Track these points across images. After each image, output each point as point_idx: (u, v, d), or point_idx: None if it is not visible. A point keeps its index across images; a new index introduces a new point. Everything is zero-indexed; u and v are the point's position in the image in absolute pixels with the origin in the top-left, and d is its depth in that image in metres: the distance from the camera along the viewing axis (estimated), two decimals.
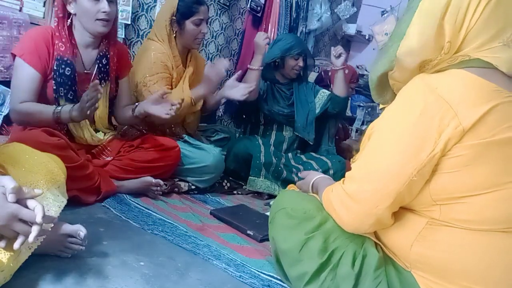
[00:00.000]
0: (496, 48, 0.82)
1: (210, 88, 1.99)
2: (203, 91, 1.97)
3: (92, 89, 1.37)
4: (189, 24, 1.95)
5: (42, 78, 1.49)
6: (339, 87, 2.42)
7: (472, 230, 0.82)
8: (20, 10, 1.74)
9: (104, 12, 1.50)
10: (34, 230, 0.78)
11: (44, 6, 1.81)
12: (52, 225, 0.94)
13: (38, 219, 0.78)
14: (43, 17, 1.82)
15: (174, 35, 1.97)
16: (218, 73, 1.95)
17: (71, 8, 1.51)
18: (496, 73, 0.82)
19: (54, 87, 1.50)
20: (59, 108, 1.45)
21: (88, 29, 1.54)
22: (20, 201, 0.80)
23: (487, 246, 0.82)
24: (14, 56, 1.48)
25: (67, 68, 1.51)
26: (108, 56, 1.64)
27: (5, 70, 1.69)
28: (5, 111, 1.71)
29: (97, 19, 1.51)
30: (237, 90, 2.05)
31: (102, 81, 1.63)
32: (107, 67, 1.64)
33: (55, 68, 1.49)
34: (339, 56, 2.37)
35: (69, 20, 1.52)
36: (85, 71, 1.60)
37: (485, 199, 0.81)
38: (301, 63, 2.36)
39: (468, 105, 0.79)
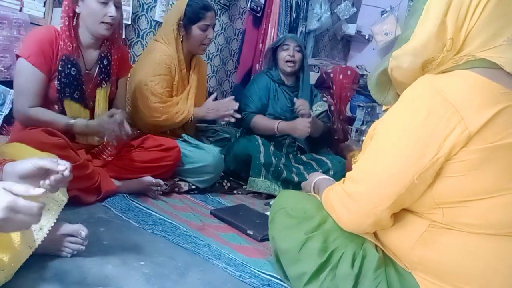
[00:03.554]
0: (501, 47, 0.81)
1: (211, 117, 2.08)
2: (202, 114, 2.05)
3: (121, 128, 1.51)
4: (195, 29, 1.98)
5: (47, 80, 1.49)
6: (314, 133, 2.37)
7: (475, 234, 0.81)
8: (20, 10, 1.75)
9: (110, 16, 1.51)
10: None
11: (44, 6, 1.82)
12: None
13: (34, 210, 0.72)
14: (43, 17, 1.82)
15: (181, 39, 1.99)
16: (219, 112, 2.02)
17: (78, 8, 1.51)
18: (502, 74, 0.81)
19: (58, 88, 1.50)
20: (72, 121, 1.50)
21: (91, 30, 1.54)
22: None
23: (490, 250, 0.81)
24: (17, 57, 1.47)
25: (73, 68, 1.52)
26: (110, 58, 1.65)
27: (5, 70, 1.69)
28: (5, 111, 1.71)
29: (102, 22, 1.52)
30: (214, 112, 2.05)
31: (104, 82, 1.64)
32: (109, 68, 1.65)
33: (60, 68, 1.49)
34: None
35: (75, 20, 1.52)
36: (87, 71, 1.60)
37: (489, 204, 0.80)
38: (291, 53, 2.35)
39: (475, 109, 0.77)
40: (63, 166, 0.85)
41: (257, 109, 2.35)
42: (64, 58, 1.49)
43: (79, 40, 1.56)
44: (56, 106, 1.53)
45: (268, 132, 2.29)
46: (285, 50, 2.36)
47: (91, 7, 1.49)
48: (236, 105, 2.05)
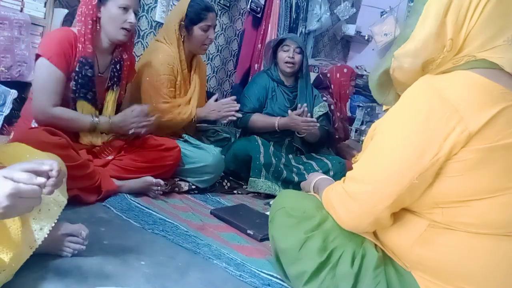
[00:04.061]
0: (500, 47, 0.81)
1: (212, 117, 2.11)
2: (204, 115, 2.07)
3: (144, 118, 1.60)
4: (197, 30, 1.99)
5: (66, 80, 1.52)
6: (308, 139, 2.40)
7: (475, 234, 0.82)
8: (21, 10, 1.75)
9: (130, 22, 1.56)
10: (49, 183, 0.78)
11: (45, 6, 1.82)
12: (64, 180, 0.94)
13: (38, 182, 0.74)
14: (44, 18, 1.82)
15: (182, 39, 2.01)
16: (221, 113, 2.05)
17: (100, 13, 1.55)
18: (503, 74, 0.81)
19: (74, 88, 1.54)
20: (97, 119, 1.58)
21: (110, 35, 1.59)
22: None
23: (490, 250, 0.81)
24: (37, 57, 1.49)
25: (89, 70, 1.55)
26: (122, 63, 1.69)
27: (6, 71, 1.70)
28: (6, 111, 1.71)
29: (122, 28, 1.56)
30: (216, 113, 2.07)
31: (115, 85, 1.68)
32: (120, 72, 1.69)
33: (77, 69, 1.53)
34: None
35: (98, 25, 1.57)
36: (99, 74, 1.64)
37: (489, 203, 0.80)
38: (290, 54, 2.34)
39: (475, 109, 0.78)
40: (48, 166, 0.82)
41: (254, 108, 2.35)
42: (82, 60, 1.53)
43: (96, 44, 1.59)
44: (68, 106, 1.56)
45: (268, 129, 2.29)
46: (285, 51, 2.36)
47: (112, 13, 1.54)
48: (237, 106, 2.06)
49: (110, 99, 1.68)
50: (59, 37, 1.51)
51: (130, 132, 1.65)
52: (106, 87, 1.67)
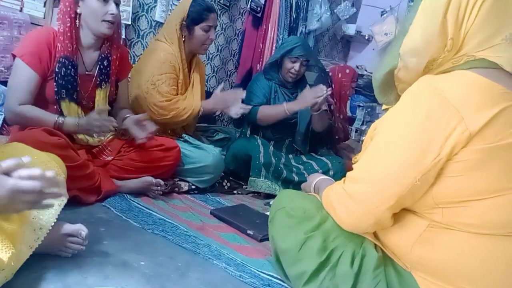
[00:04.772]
0: (499, 46, 0.81)
1: (219, 108, 2.10)
2: (211, 107, 2.05)
3: (107, 121, 1.49)
4: (198, 30, 1.99)
5: (40, 80, 1.48)
6: (316, 126, 2.37)
7: (475, 234, 0.81)
8: (21, 10, 1.75)
9: (111, 14, 1.51)
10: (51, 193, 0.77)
11: (44, 6, 1.82)
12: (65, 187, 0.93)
13: (37, 186, 0.73)
14: (44, 17, 1.82)
15: (183, 39, 2.01)
16: (228, 103, 2.03)
17: (79, 9, 1.51)
18: (502, 74, 0.81)
19: (56, 89, 1.50)
20: (62, 119, 1.49)
21: (93, 29, 1.54)
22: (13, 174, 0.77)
23: (489, 250, 0.81)
24: (14, 56, 1.47)
25: (71, 70, 1.52)
26: (110, 58, 1.65)
27: (6, 70, 1.69)
28: None
29: (104, 20, 1.52)
30: (233, 108, 2.05)
31: (103, 83, 1.64)
32: (108, 69, 1.65)
33: (56, 70, 1.49)
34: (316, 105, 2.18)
35: (77, 21, 1.53)
36: (87, 72, 1.60)
37: (489, 204, 0.80)
38: (297, 67, 2.29)
39: (475, 109, 0.78)
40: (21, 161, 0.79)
41: (261, 103, 2.32)
42: (62, 59, 1.49)
43: (80, 41, 1.56)
44: (54, 107, 1.53)
45: (278, 117, 2.24)
46: (293, 62, 2.30)
47: (91, 6, 1.49)
48: (243, 94, 2.04)
49: (100, 97, 1.64)
50: (37, 36, 1.49)
51: (94, 135, 1.60)
52: (95, 85, 1.62)
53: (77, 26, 1.53)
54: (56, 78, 1.49)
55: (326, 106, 2.33)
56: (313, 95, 2.13)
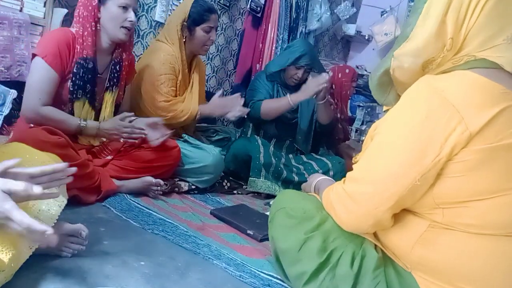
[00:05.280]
0: (500, 46, 0.80)
1: (217, 114, 2.12)
2: (208, 112, 2.07)
3: (138, 129, 1.57)
4: (199, 31, 2.00)
5: (59, 80, 1.51)
6: (322, 117, 2.37)
7: (475, 234, 0.81)
8: (21, 10, 1.74)
9: (130, 21, 1.57)
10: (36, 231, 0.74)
11: (44, 6, 1.81)
12: (54, 223, 0.93)
13: (24, 225, 0.71)
14: (44, 17, 1.82)
15: (184, 40, 2.01)
16: (226, 109, 2.05)
17: (99, 13, 1.55)
18: (503, 74, 0.81)
19: (71, 89, 1.53)
20: (84, 123, 1.54)
21: (110, 34, 1.59)
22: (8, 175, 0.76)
23: (490, 250, 0.81)
24: (33, 56, 1.49)
25: (89, 71, 1.55)
26: (122, 64, 1.69)
27: (6, 70, 1.69)
28: (6, 111, 1.71)
29: (122, 27, 1.57)
30: (231, 113, 2.06)
31: (114, 86, 1.68)
32: (119, 73, 1.69)
33: (74, 70, 1.52)
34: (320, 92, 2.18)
35: (98, 25, 1.56)
36: (98, 75, 1.63)
37: (489, 204, 0.80)
38: (300, 74, 2.29)
39: (475, 109, 0.77)
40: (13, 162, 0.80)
41: (265, 99, 2.30)
42: (81, 61, 1.52)
43: (96, 44, 1.59)
44: (65, 107, 1.56)
45: (282, 109, 2.23)
46: (297, 69, 2.29)
47: (112, 12, 1.54)
48: (242, 101, 2.05)
49: (109, 100, 1.68)
50: (57, 37, 1.51)
51: (121, 140, 1.63)
52: (104, 87, 1.67)
53: (98, 29, 1.57)
54: (74, 78, 1.53)
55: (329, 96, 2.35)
56: (316, 83, 2.13)
